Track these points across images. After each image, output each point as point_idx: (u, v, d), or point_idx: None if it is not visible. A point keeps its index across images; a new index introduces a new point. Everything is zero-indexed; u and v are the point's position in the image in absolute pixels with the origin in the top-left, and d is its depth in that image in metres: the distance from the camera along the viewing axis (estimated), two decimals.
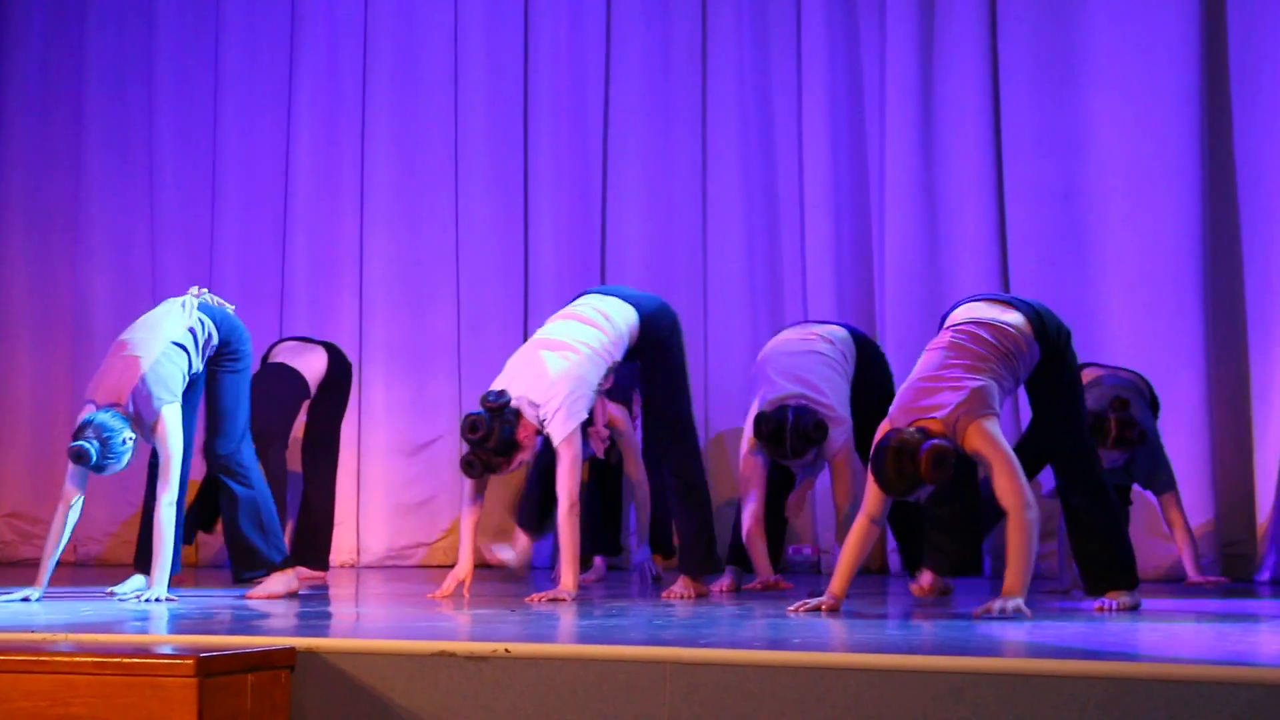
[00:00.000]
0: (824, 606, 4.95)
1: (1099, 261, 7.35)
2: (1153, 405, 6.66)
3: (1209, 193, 7.17)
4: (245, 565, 5.86)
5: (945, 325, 5.23)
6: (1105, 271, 7.33)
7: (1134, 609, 5.16)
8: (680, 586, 5.87)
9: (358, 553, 8.15)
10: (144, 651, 3.78)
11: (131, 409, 5.51)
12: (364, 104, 8.39)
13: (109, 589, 5.83)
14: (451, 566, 6.03)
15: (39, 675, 3.66)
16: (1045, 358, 5.16)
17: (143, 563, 5.90)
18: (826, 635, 4.30)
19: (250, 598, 5.62)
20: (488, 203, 8.21)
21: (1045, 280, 7.34)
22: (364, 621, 4.90)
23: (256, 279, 8.38)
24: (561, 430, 5.50)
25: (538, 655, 3.79)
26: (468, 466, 5.52)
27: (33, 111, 8.75)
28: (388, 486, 8.14)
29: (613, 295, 5.94)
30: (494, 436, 5.42)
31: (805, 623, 4.64)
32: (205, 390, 5.89)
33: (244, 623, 4.72)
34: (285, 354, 7.14)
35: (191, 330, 5.70)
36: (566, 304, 5.98)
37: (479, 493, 5.70)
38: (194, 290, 5.91)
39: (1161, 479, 6.42)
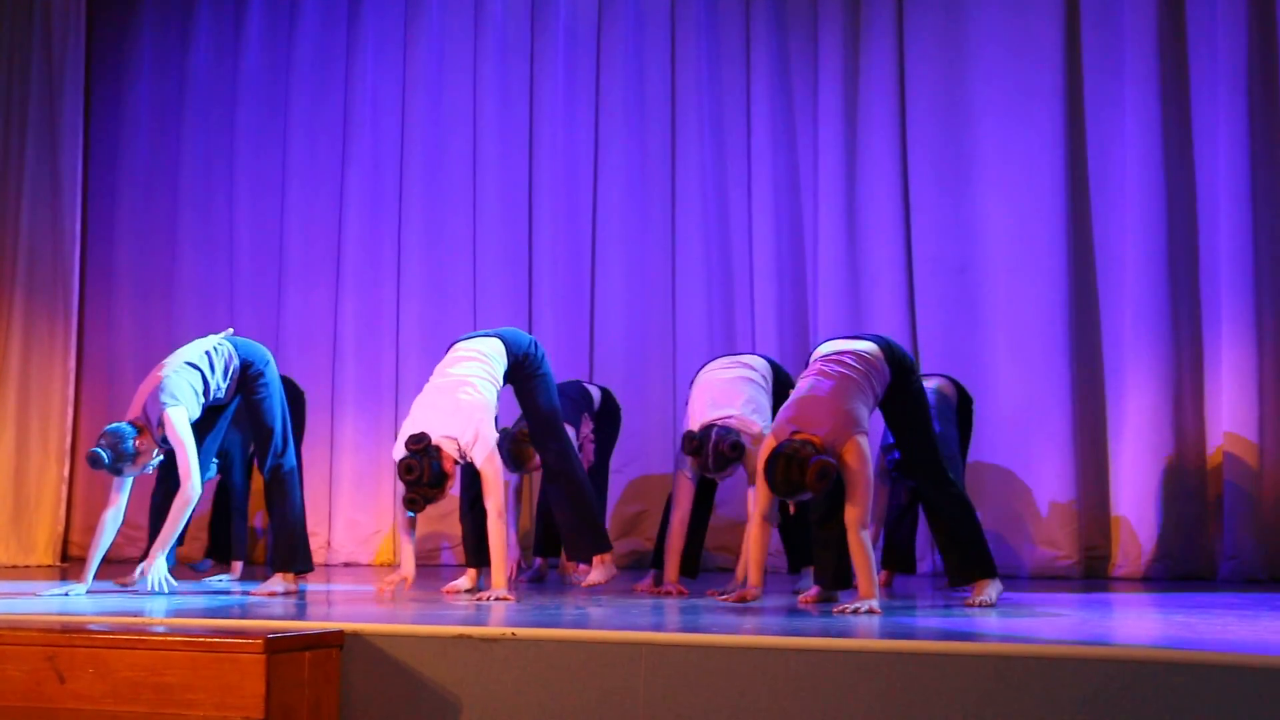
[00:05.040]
0: (748, 596, 4.91)
1: (988, 320, 7.38)
2: (963, 406, 6.36)
3: (1073, 268, 7.22)
4: (279, 561, 5.58)
5: (815, 358, 5.07)
6: (992, 328, 7.36)
7: (993, 604, 4.95)
8: (596, 574, 5.70)
9: (395, 553, 8.14)
10: (223, 632, 3.80)
11: (144, 416, 5.32)
12: (400, 198, 8.37)
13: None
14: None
15: (140, 651, 3.70)
16: (895, 377, 5.02)
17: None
18: (764, 622, 4.29)
19: (255, 594, 5.39)
20: (498, 277, 8.18)
21: (944, 335, 7.38)
22: (399, 609, 4.89)
23: (313, 336, 8.36)
24: (482, 452, 5.27)
25: (538, 637, 3.81)
26: (410, 503, 5.21)
27: (138, 199, 8.73)
28: None
29: (476, 335, 5.81)
30: (426, 473, 5.14)
31: (748, 611, 4.65)
32: (247, 417, 5.70)
33: (303, 609, 4.67)
34: None
35: (208, 352, 5.49)
36: (444, 355, 5.80)
37: (412, 524, 5.46)
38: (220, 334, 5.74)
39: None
